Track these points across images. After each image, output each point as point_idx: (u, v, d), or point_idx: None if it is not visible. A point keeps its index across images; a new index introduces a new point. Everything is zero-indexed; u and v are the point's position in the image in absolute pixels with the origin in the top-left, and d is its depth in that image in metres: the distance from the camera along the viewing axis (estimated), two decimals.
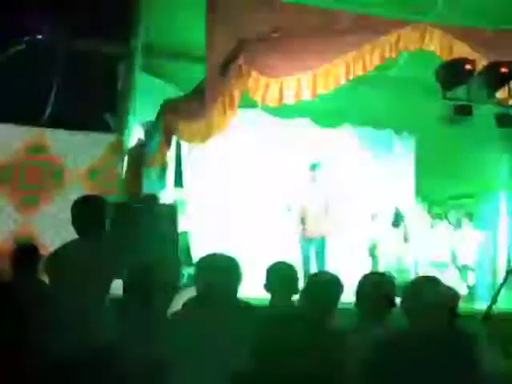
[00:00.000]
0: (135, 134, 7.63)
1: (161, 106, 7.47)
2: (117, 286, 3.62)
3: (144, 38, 7.36)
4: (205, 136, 6.95)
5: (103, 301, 3.51)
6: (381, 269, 7.76)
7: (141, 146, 7.54)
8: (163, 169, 7.71)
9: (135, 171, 7.25)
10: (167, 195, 7.76)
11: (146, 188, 7.20)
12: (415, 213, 10.21)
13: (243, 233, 9.10)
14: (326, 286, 3.50)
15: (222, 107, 6.61)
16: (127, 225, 4.78)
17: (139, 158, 7.34)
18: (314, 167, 8.02)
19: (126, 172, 7.29)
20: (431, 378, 2.68)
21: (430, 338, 2.81)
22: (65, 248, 3.83)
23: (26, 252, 4.67)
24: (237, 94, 6.60)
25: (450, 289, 3.49)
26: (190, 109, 7.06)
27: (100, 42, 7.15)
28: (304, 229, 7.91)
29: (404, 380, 2.71)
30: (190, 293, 3.63)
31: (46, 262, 3.87)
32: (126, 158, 7.35)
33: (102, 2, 6.70)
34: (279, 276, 3.69)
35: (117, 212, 5.27)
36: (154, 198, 5.34)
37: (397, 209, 8.90)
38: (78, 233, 3.71)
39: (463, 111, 6.44)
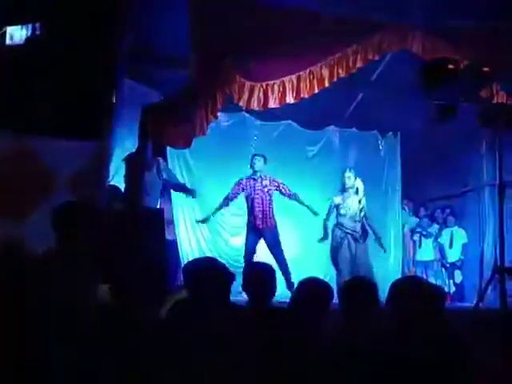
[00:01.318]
0: (128, 140, 7.60)
1: (142, 110, 7.44)
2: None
3: (128, 44, 7.32)
4: (188, 140, 6.95)
5: (88, 306, 3.50)
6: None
7: (139, 151, 7.52)
8: (160, 173, 7.70)
9: (134, 177, 7.22)
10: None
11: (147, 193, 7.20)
12: (401, 213, 10.27)
13: (230, 235, 9.12)
14: (317, 291, 3.52)
15: (204, 111, 6.61)
16: (112, 230, 4.77)
17: (139, 163, 7.32)
18: (251, 159, 8.07)
19: (126, 178, 7.27)
20: (419, 378, 2.70)
21: (416, 337, 2.82)
22: (46, 254, 3.83)
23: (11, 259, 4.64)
24: (220, 97, 6.61)
25: (436, 288, 3.52)
26: (172, 113, 7.04)
27: (84, 48, 7.10)
28: (250, 220, 7.93)
29: (392, 380, 2.73)
30: (179, 296, 3.62)
31: (30, 269, 3.86)
32: (124, 164, 7.34)
33: (85, 8, 6.65)
34: (255, 278, 3.69)
35: (101, 217, 5.27)
36: (137, 202, 5.31)
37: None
38: (58, 238, 3.73)
39: (447, 111, 6.48)
